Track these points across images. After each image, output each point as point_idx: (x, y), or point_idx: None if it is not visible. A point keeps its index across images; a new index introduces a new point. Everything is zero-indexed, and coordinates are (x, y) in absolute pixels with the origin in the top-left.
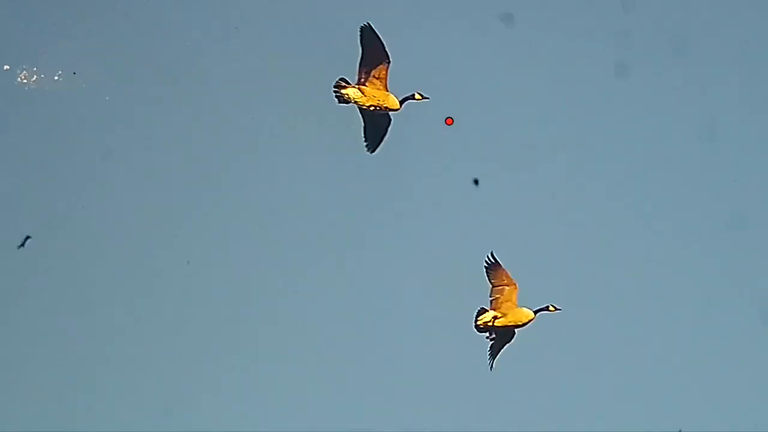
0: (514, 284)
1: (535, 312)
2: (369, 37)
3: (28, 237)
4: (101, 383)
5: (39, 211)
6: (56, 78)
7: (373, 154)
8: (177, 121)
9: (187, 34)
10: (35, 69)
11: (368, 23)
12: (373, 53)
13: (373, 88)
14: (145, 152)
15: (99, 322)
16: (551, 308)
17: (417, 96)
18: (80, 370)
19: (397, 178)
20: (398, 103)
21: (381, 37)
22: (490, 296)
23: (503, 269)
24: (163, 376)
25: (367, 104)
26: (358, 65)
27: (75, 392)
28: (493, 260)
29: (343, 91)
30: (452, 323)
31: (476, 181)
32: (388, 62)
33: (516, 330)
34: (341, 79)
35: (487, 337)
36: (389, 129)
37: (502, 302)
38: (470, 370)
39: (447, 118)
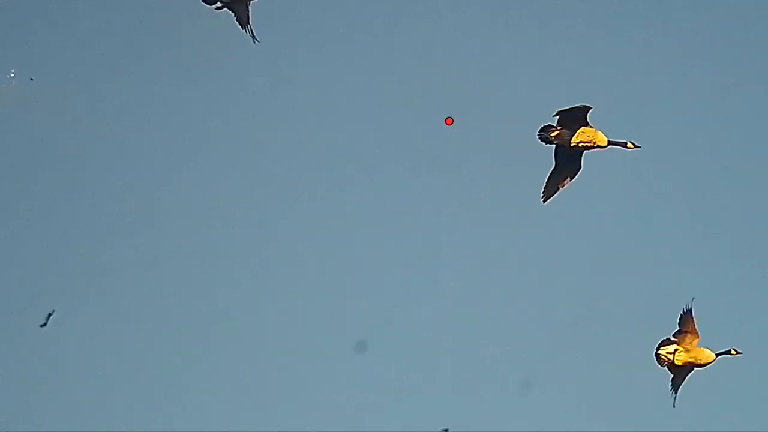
0: (697, 334)
1: (717, 355)
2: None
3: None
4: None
5: None
6: (9, 76)
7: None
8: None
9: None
10: None
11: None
12: (574, 117)
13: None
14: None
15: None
16: (733, 352)
17: (629, 145)
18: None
19: None
20: (607, 141)
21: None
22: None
23: (692, 318)
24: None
25: (577, 141)
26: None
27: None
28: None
29: (552, 134)
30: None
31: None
32: (589, 108)
33: (696, 369)
34: (548, 125)
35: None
36: (572, 181)
37: (686, 339)
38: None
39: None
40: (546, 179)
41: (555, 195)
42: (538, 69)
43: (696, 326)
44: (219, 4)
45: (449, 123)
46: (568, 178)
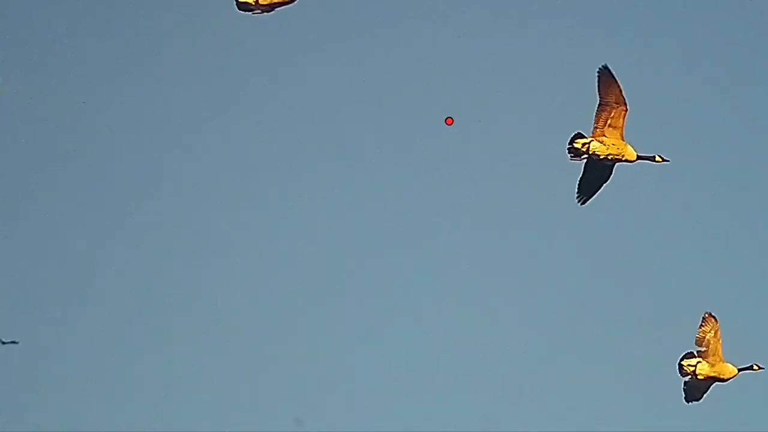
0: (719, 340)
1: (739, 370)
2: (607, 81)
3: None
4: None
5: None
6: None
7: (583, 205)
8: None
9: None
10: None
11: (606, 66)
12: (611, 99)
13: (612, 138)
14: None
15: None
16: (755, 367)
17: (658, 159)
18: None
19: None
20: (636, 155)
21: (619, 83)
22: (696, 345)
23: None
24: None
25: (606, 153)
26: (595, 114)
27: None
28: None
29: (589, 146)
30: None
31: None
32: (626, 110)
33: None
34: (578, 134)
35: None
36: (605, 184)
37: (709, 353)
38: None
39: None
40: (577, 185)
41: (593, 197)
42: (538, 69)
43: (716, 333)
44: (258, 11)
45: (449, 123)
46: (602, 183)
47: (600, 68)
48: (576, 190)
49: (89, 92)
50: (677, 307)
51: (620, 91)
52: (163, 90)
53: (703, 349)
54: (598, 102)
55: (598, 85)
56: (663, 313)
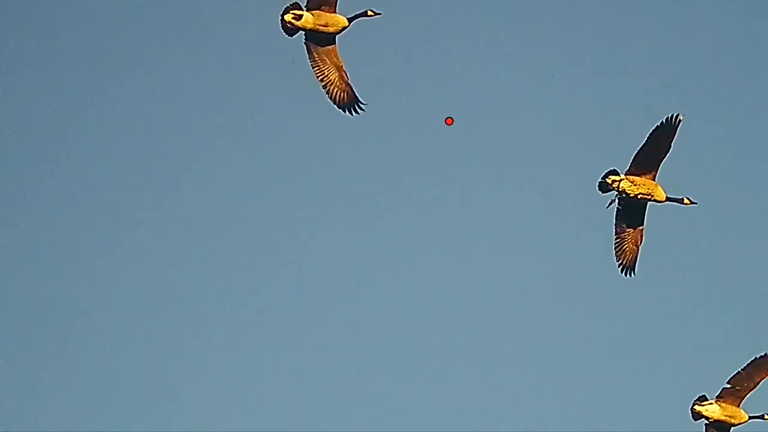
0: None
1: (750, 417)
2: (670, 132)
3: None
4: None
5: None
6: None
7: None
8: None
9: None
10: None
11: (679, 117)
12: (660, 146)
13: (643, 177)
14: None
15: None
16: (766, 417)
17: (686, 201)
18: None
19: None
20: (665, 196)
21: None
22: (728, 384)
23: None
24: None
25: (635, 193)
26: (636, 153)
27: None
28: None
29: (619, 184)
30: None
31: None
32: (666, 154)
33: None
34: (612, 170)
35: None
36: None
37: (729, 395)
38: None
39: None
40: (614, 247)
41: (637, 259)
42: (538, 69)
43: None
44: (304, 38)
45: (449, 123)
46: (640, 239)
47: (676, 120)
48: (617, 264)
49: (89, 92)
50: (679, 307)
51: (673, 141)
52: (164, 90)
53: (731, 386)
54: (644, 143)
55: (657, 131)
56: (665, 316)
